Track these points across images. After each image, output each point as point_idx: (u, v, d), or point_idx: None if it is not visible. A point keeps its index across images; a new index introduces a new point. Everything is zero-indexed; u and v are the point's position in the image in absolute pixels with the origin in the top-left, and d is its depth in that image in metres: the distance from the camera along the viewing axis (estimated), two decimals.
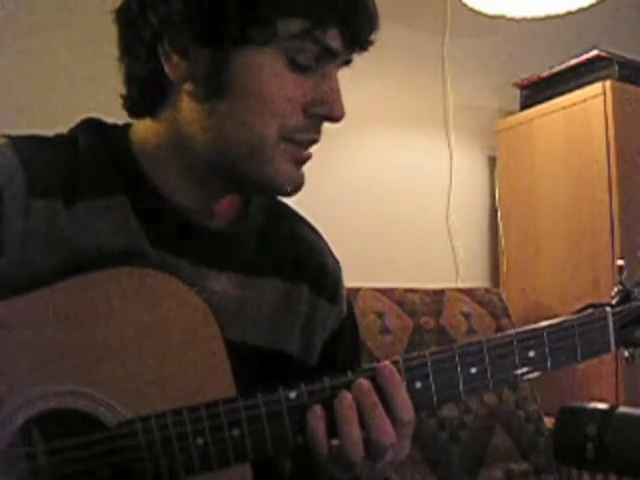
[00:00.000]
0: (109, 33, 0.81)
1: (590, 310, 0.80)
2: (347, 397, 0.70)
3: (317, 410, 0.70)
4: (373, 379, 0.71)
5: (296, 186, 0.80)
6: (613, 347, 0.80)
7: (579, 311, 0.80)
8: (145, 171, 0.81)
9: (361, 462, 0.70)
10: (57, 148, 0.80)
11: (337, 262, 0.96)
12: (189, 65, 0.76)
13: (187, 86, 0.77)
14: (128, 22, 0.79)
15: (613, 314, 0.80)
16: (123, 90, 0.82)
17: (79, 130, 0.83)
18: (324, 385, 0.71)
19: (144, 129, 0.83)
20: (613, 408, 0.89)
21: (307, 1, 0.72)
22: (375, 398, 0.70)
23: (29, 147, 0.78)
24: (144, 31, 0.76)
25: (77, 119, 0.86)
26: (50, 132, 0.84)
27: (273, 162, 0.77)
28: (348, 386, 0.71)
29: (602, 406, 0.90)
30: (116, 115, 0.84)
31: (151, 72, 0.77)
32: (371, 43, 0.79)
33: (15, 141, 0.78)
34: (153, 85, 0.78)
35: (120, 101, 0.83)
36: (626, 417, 0.88)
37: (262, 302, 0.85)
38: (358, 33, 0.77)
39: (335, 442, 0.70)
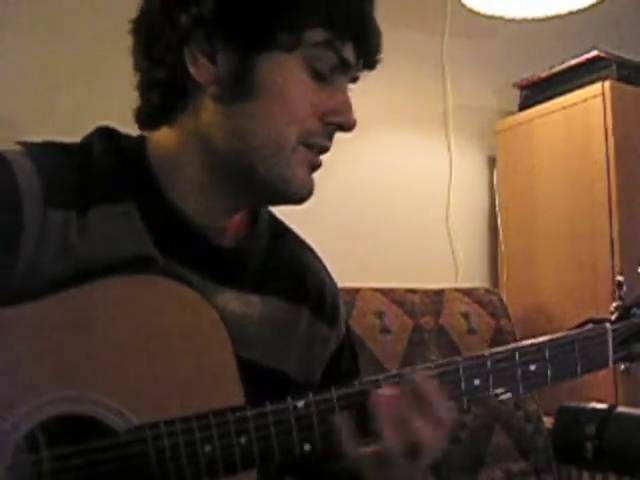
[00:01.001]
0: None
1: (590, 326, 0.82)
2: (381, 396, 0.71)
3: (345, 414, 0.71)
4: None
5: (307, 193, 0.83)
6: (611, 362, 0.82)
7: (579, 326, 0.82)
8: (160, 182, 0.81)
9: (400, 462, 0.71)
10: (71, 156, 0.80)
11: (335, 284, 0.97)
12: (216, 68, 0.77)
13: (212, 89, 0.78)
14: (152, 28, 0.79)
15: (612, 330, 0.82)
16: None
17: (93, 138, 0.83)
18: (332, 395, 0.71)
19: (161, 139, 0.83)
20: (612, 408, 0.89)
21: (331, 14, 0.77)
22: (412, 399, 0.71)
23: (44, 155, 0.78)
24: (171, 34, 0.77)
25: (75, 119, 0.85)
26: (56, 137, 0.84)
27: (291, 166, 0.79)
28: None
29: (601, 406, 0.91)
30: (115, 115, 0.85)
31: (174, 76, 0.79)
32: (378, 62, 0.84)
33: (30, 149, 0.78)
34: (175, 89, 0.79)
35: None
36: (625, 417, 0.89)
37: (263, 320, 0.85)
38: (369, 50, 0.82)
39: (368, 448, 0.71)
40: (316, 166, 0.83)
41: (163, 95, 0.80)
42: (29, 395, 0.66)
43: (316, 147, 0.81)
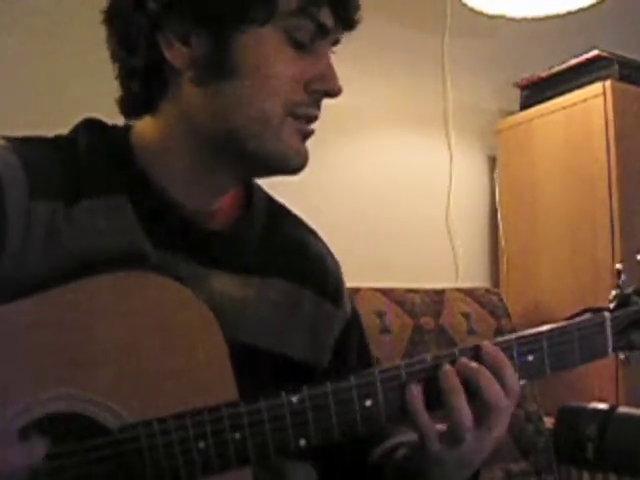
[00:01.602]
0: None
1: (588, 314, 0.81)
2: (450, 368, 0.72)
3: (413, 388, 0.72)
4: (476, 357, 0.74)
5: (303, 161, 0.81)
6: (610, 351, 0.81)
7: (577, 315, 0.81)
8: (147, 171, 0.81)
9: (469, 435, 0.72)
10: (57, 149, 0.80)
11: (337, 263, 0.96)
12: (191, 50, 0.77)
13: (189, 72, 0.77)
14: (122, 17, 0.79)
15: (611, 319, 0.81)
16: (118, 93, 0.82)
17: (79, 130, 0.83)
18: (327, 389, 0.71)
19: (145, 128, 0.83)
20: (613, 408, 0.89)
21: None
22: (480, 366, 0.72)
23: (29, 149, 0.78)
24: (142, 22, 0.77)
25: (74, 119, 0.85)
26: (48, 133, 0.84)
27: (282, 137, 0.78)
28: (452, 362, 0.73)
29: (602, 406, 0.90)
30: (114, 115, 0.85)
31: (151, 63, 0.78)
32: (357, 22, 0.82)
33: (14, 143, 0.78)
34: (153, 76, 0.79)
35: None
36: (626, 417, 0.88)
37: (264, 303, 0.84)
38: (347, 11, 0.80)
39: (439, 426, 0.72)
40: (307, 134, 0.82)
41: (142, 83, 0.80)
42: (20, 393, 0.66)
43: (304, 117, 0.80)
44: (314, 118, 0.81)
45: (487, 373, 0.72)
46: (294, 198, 0.98)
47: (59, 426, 0.66)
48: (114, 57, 0.82)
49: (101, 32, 0.82)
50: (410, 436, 0.85)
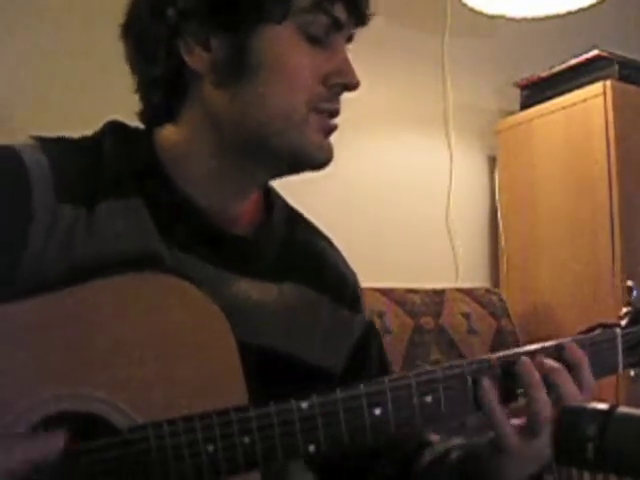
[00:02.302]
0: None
1: (599, 330, 0.81)
2: (529, 362, 0.74)
3: (487, 384, 0.73)
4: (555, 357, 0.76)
5: (328, 156, 0.82)
6: (621, 368, 0.81)
7: (590, 330, 0.81)
8: (170, 174, 0.81)
9: (545, 429, 0.73)
10: (83, 151, 0.80)
11: (353, 271, 0.97)
12: (211, 54, 0.78)
13: (211, 75, 0.78)
14: (141, 28, 0.80)
15: (622, 335, 0.81)
16: (138, 106, 0.83)
17: (104, 133, 0.84)
18: (337, 396, 0.71)
19: (167, 132, 0.83)
20: (613, 408, 0.89)
21: None
22: (558, 364, 0.75)
23: (57, 150, 0.78)
24: (161, 31, 0.78)
25: (77, 120, 0.86)
26: (50, 134, 0.84)
27: (305, 133, 0.79)
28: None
29: (602, 406, 0.90)
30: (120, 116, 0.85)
31: (171, 70, 0.79)
32: (370, 17, 0.83)
33: (44, 143, 0.79)
34: (174, 83, 0.80)
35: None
36: (627, 417, 0.88)
37: (281, 307, 0.84)
38: (359, 5, 0.82)
39: (515, 421, 0.74)
40: (331, 129, 0.82)
41: (164, 92, 0.81)
42: (31, 391, 0.66)
43: (326, 111, 0.81)
44: (336, 112, 0.82)
45: (565, 372, 0.75)
46: (294, 198, 0.98)
47: (68, 425, 0.66)
48: (133, 70, 0.82)
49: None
50: (455, 440, 0.88)
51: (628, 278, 0.90)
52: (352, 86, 0.81)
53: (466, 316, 1.87)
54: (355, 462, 0.87)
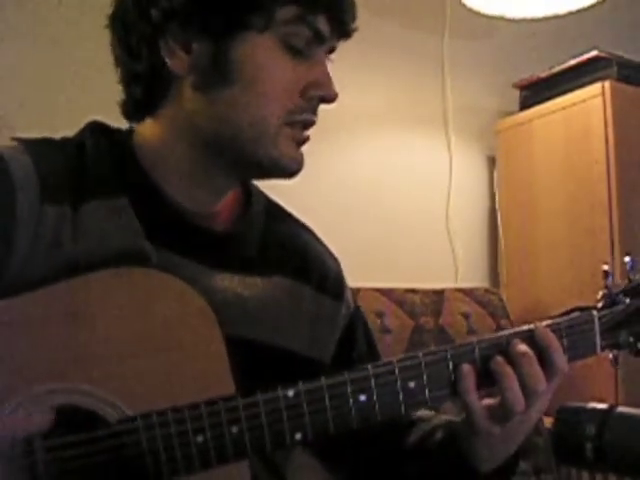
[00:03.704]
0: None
1: (577, 313, 0.81)
2: (502, 361, 0.75)
3: (466, 368, 0.75)
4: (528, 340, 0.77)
5: (298, 167, 0.83)
6: (599, 349, 0.82)
7: (566, 313, 0.82)
8: (149, 172, 0.82)
9: (516, 413, 0.75)
10: (66, 152, 0.81)
11: (336, 259, 0.98)
12: (191, 57, 0.78)
13: (190, 77, 0.79)
14: (126, 24, 0.81)
15: (599, 317, 0.81)
16: (120, 96, 0.84)
17: (86, 133, 0.84)
18: (322, 383, 0.72)
19: (146, 131, 0.84)
20: (612, 408, 0.89)
21: None
22: (526, 349, 0.76)
23: (40, 151, 0.79)
24: (145, 29, 0.79)
25: (76, 120, 0.86)
26: (51, 134, 0.84)
27: (278, 144, 0.80)
28: (503, 347, 0.76)
29: (601, 406, 0.91)
30: (115, 115, 0.85)
31: (153, 68, 0.80)
32: (354, 31, 0.84)
33: (27, 145, 0.79)
34: (155, 81, 0.81)
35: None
36: (625, 417, 0.89)
37: (265, 300, 0.86)
38: (343, 19, 0.82)
39: (487, 401, 0.76)
40: (304, 140, 0.83)
41: (144, 87, 0.82)
42: (22, 387, 0.66)
43: (301, 123, 0.81)
44: (310, 124, 0.83)
45: (527, 356, 0.75)
46: (294, 198, 0.98)
47: (60, 419, 0.66)
48: (117, 61, 0.83)
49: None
50: (440, 418, 0.90)
51: (606, 263, 0.91)
52: (330, 98, 0.82)
53: (466, 316, 1.87)
54: (351, 443, 0.87)
